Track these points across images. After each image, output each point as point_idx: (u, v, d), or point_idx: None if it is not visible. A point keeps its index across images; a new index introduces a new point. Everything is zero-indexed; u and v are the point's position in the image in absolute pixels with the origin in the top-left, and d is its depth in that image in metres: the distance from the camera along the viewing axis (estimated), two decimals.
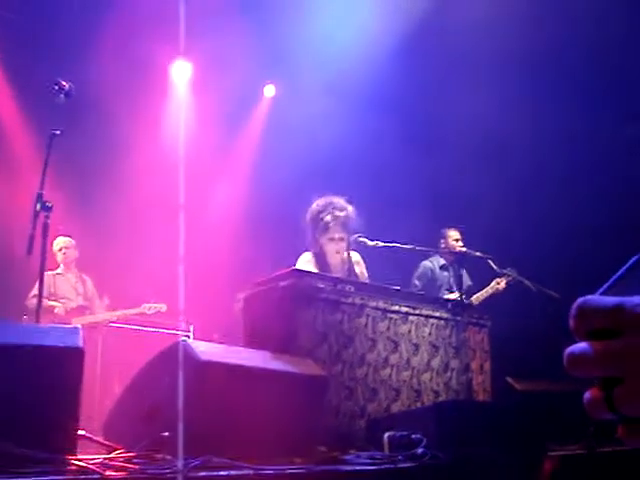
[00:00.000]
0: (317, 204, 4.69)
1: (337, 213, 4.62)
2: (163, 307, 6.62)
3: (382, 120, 7.18)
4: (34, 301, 6.01)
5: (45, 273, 6.50)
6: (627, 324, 0.56)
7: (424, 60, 7.27)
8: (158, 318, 6.73)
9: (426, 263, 6.11)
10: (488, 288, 5.92)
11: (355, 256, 4.84)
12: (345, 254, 4.74)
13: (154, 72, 7.91)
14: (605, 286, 0.60)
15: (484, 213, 6.66)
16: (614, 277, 0.61)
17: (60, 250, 6.71)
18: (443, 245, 6.10)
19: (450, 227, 6.20)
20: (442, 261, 6.13)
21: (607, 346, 0.57)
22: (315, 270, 4.54)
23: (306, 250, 4.74)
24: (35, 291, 6.11)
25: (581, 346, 0.58)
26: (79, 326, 6.18)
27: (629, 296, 0.57)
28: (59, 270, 6.73)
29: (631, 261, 0.61)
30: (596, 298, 0.59)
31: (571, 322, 0.59)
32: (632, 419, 0.57)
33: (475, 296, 5.89)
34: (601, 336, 0.57)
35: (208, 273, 6.89)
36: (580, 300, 0.59)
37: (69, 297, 6.63)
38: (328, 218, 4.60)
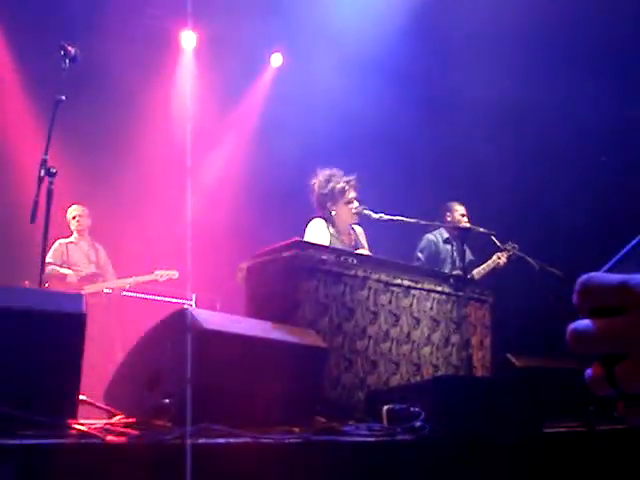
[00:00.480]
0: (322, 175, 4.85)
1: (347, 178, 4.86)
2: (175, 274, 6.67)
3: (392, 90, 7.12)
4: (49, 268, 6.07)
5: (58, 241, 6.59)
6: (631, 302, 0.56)
7: (437, 29, 7.19)
8: (160, 286, 6.76)
9: (429, 236, 6.09)
10: (490, 262, 5.96)
11: (356, 227, 5.01)
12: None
13: (163, 40, 7.85)
14: (610, 263, 0.60)
15: (493, 186, 6.63)
16: (619, 255, 0.60)
17: (74, 218, 6.76)
18: (449, 218, 6.07)
19: (457, 201, 6.18)
20: (445, 234, 6.11)
21: (610, 323, 0.56)
22: (329, 233, 4.70)
23: (315, 217, 4.84)
24: (49, 259, 6.16)
25: (584, 323, 0.58)
26: (83, 292, 6.19)
27: (634, 274, 0.57)
28: (72, 238, 6.79)
29: (636, 239, 0.61)
30: (600, 275, 0.58)
31: (574, 298, 0.59)
32: (633, 396, 0.57)
33: (476, 270, 5.91)
34: (604, 313, 0.57)
35: (211, 243, 6.89)
36: (584, 277, 0.58)
37: (82, 265, 6.67)
38: (342, 184, 4.83)
